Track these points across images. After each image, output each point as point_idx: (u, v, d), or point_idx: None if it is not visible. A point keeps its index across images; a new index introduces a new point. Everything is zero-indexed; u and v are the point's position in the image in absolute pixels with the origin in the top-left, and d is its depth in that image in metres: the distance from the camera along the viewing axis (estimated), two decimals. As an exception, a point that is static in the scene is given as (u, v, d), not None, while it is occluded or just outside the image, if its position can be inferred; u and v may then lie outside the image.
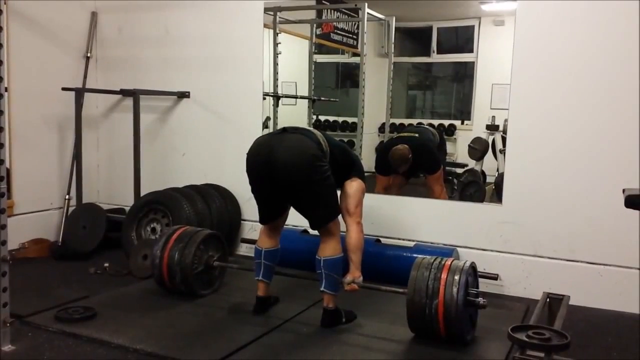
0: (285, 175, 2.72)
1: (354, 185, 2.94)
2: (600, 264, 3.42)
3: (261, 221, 3.05)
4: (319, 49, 5.46)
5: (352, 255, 2.90)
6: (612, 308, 3.35)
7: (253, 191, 2.94)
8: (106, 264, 3.87)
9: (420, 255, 2.96)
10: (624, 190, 2.15)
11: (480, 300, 2.70)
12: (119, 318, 3.01)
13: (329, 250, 2.86)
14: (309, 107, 5.19)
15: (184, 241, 3.29)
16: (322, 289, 2.88)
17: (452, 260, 2.79)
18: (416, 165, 4.62)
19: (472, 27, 5.71)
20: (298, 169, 2.70)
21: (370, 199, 3.93)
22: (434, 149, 4.94)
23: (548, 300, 2.95)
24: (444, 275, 2.68)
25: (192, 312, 3.16)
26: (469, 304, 2.69)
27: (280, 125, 4.78)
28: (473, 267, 2.83)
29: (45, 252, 4.26)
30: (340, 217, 2.94)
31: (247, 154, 2.87)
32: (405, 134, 4.94)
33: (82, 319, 2.93)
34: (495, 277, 3.54)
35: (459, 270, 2.70)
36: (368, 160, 5.26)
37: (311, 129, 2.98)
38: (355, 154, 3.20)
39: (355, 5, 4.76)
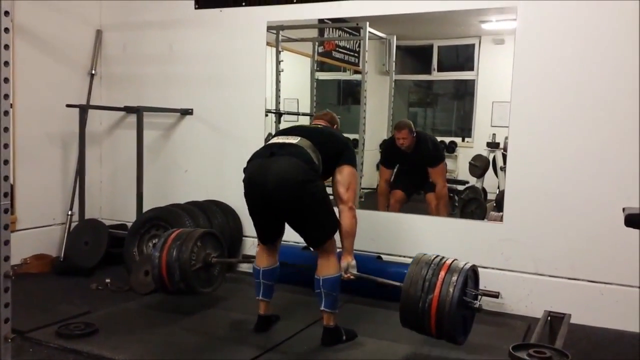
0: (279, 202, 2.77)
1: (343, 171, 2.90)
2: (601, 283, 3.41)
3: (261, 240, 3.08)
4: (321, 67, 5.52)
5: (344, 241, 2.89)
6: (613, 327, 3.34)
7: (251, 214, 2.98)
8: (108, 280, 3.87)
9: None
10: (624, 209, 2.16)
11: (477, 303, 2.64)
12: (120, 334, 3.01)
13: (327, 269, 2.86)
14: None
15: (181, 239, 3.31)
16: (322, 308, 2.88)
17: (453, 260, 2.73)
18: (419, 153, 4.66)
19: (473, 45, 5.77)
20: (289, 196, 2.73)
21: (371, 217, 3.96)
22: (436, 140, 5.03)
23: (549, 318, 2.96)
24: (442, 274, 2.62)
25: (194, 329, 3.16)
26: (464, 304, 2.62)
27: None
28: (474, 269, 2.75)
29: (47, 268, 4.26)
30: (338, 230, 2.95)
31: (244, 181, 2.89)
32: None
33: (83, 335, 2.93)
34: (496, 295, 3.52)
35: (458, 270, 2.64)
36: (369, 177, 5.29)
37: (299, 142, 2.83)
38: (346, 142, 3.07)
39: (357, 24, 4.81)
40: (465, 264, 2.71)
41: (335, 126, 3.27)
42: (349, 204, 2.86)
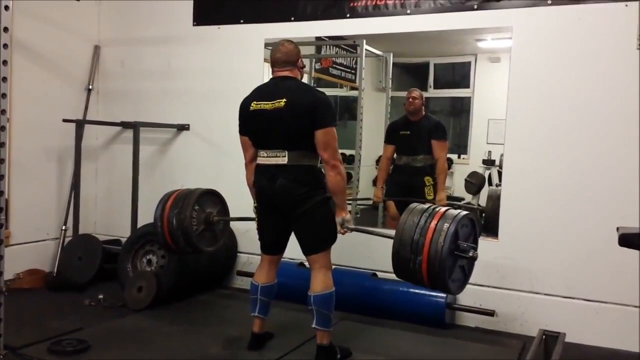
0: (284, 209, 2.90)
1: (318, 135, 2.81)
2: (596, 301, 3.40)
3: (264, 250, 3.10)
4: (318, 83, 5.54)
5: (334, 198, 2.89)
6: (608, 346, 3.33)
7: (259, 221, 3.05)
8: (101, 296, 3.85)
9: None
10: (618, 229, 2.17)
11: (471, 252, 2.53)
12: (112, 351, 2.99)
13: (318, 285, 2.86)
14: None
15: (178, 206, 3.26)
16: (313, 325, 2.86)
17: (448, 209, 2.61)
18: (425, 124, 4.61)
19: (469, 63, 5.82)
20: (291, 205, 2.87)
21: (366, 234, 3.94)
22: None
23: (544, 337, 2.95)
24: (432, 224, 2.50)
25: (187, 346, 3.13)
26: (457, 256, 2.54)
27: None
28: (470, 218, 2.61)
29: (40, 283, 4.23)
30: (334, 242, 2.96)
31: (257, 193, 3.01)
32: None
33: (75, 352, 2.91)
34: (491, 314, 3.52)
35: (450, 218, 2.50)
36: (366, 193, 5.30)
37: (290, 161, 2.85)
38: (313, 100, 2.85)
39: (354, 41, 4.85)
40: (460, 212, 2.58)
41: (298, 61, 3.06)
42: (330, 163, 2.83)
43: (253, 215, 3.14)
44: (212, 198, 3.45)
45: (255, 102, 2.94)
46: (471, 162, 5.74)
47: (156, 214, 3.31)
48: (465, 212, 2.59)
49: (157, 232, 3.32)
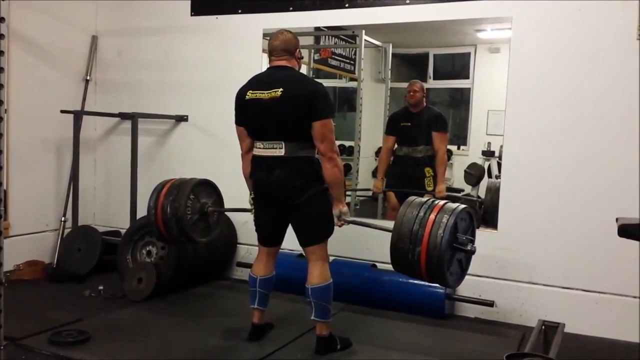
0: (280, 199, 2.89)
1: (315, 127, 2.79)
2: (595, 292, 3.41)
3: (262, 242, 3.09)
4: (317, 74, 5.52)
5: (332, 190, 2.87)
6: (607, 336, 3.34)
7: (257, 212, 3.04)
8: (101, 287, 3.85)
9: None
10: (617, 220, 2.16)
11: (470, 245, 2.54)
12: (112, 342, 3.00)
13: (316, 277, 2.86)
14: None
15: (173, 194, 3.24)
16: (312, 317, 2.87)
17: (446, 202, 2.61)
18: (426, 115, 4.60)
19: (468, 54, 5.80)
20: (288, 195, 2.85)
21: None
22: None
23: (543, 327, 2.95)
24: (431, 217, 2.50)
25: (187, 337, 3.14)
26: (455, 249, 2.54)
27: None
28: (468, 211, 2.62)
29: (39, 274, 4.23)
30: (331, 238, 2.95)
31: (254, 184, 3.00)
32: None
33: (75, 343, 2.91)
34: (491, 304, 3.53)
35: (449, 211, 2.51)
36: (365, 184, 5.30)
37: (287, 153, 2.83)
38: (310, 92, 2.80)
39: (353, 32, 4.83)
40: (458, 205, 2.58)
41: (296, 52, 3.00)
42: (327, 155, 2.81)
43: (249, 206, 3.14)
44: (207, 189, 3.44)
45: (251, 92, 2.92)
46: (471, 153, 5.74)
47: (150, 202, 3.30)
48: (463, 206, 2.59)
49: (150, 220, 3.31)
